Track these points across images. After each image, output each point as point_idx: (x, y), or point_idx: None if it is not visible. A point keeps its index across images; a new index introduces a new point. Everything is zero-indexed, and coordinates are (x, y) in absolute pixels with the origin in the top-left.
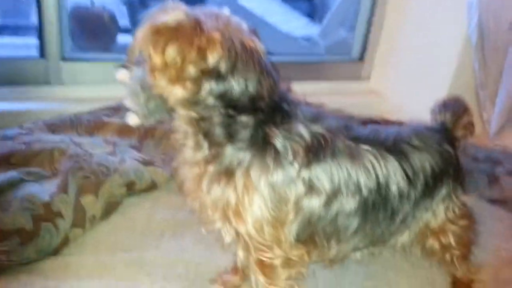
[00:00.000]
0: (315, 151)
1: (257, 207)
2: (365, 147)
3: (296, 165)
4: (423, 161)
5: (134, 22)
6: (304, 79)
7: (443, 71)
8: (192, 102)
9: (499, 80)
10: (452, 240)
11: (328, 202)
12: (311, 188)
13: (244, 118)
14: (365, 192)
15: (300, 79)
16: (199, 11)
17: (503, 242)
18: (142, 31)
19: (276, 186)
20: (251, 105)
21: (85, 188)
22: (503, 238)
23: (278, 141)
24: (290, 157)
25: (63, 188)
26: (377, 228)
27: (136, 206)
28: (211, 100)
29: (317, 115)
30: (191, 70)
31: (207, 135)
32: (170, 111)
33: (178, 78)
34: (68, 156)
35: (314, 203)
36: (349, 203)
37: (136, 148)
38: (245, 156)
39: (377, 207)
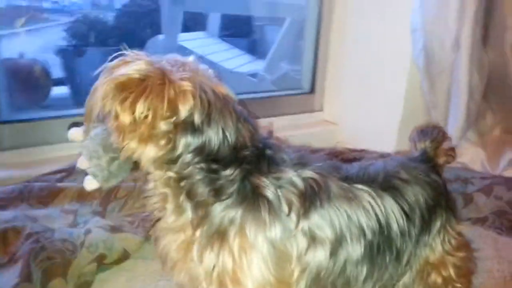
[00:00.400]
0: (311, 198)
1: (257, 269)
2: (359, 186)
3: (293, 216)
4: (416, 195)
5: (69, 73)
6: (260, 115)
7: (393, 95)
8: (168, 160)
9: (448, 100)
10: (452, 273)
11: (334, 252)
12: (313, 238)
13: (228, 171)
14: (369, 234)
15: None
16: (162, 60)
17: (495, 263)
18: (103, 86)
19: (275, 242)
20: (234, 156)
21: (51, 272)
22: (493, 259)
23: (270, 192)
24: (285, 208)
25: (26, 277)
26: (385, 272)
27: (110, 283)
28: (189, 156)
29: (302, 158)
30: (164, 125)
31: (189, 195)
32: (138, 169)
33: (150, 136)
34: (26, 235)
35: (320, 255)
36: (355, 249)
37: (100, 214)
38: (236, 213)
39: (382, 249)
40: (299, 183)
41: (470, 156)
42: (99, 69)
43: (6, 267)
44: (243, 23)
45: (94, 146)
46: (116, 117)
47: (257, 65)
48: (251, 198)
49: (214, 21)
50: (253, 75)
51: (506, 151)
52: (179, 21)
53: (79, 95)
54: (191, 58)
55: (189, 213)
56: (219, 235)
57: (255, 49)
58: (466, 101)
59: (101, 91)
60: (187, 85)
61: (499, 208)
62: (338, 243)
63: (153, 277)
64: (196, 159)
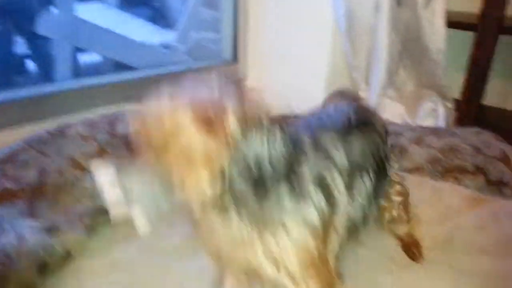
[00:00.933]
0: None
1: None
2: (353, 132)
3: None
4: (377, 121)
5: None
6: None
7: (317, 60)
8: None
9: (369, 61)
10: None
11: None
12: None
13: (273, 177)
14: (371, 172)
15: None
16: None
17: (434, 208)
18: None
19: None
20: (278, 163)
21: None
22: (430, 204)
23: (310, 185)
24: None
25: None
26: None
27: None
28: (236, 172)
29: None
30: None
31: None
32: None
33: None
34: None
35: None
36: (367, 189)
37: (28, 214)
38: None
39: (380, 180)
40: (333, 164)
41: (391, 111)
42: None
43: None
44: None
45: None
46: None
47: (166, 36)
48: (298, 189)
49: None
50: (166, 46)
51: (422, 103)
52: None
53: None
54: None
55: (236, 214)
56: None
57: (158, 19)
58: (387, 61)
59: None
60: (230, 105)
61: (432, 156)
62: (359, 193)
63: (101, 272)
64: (239, 170)
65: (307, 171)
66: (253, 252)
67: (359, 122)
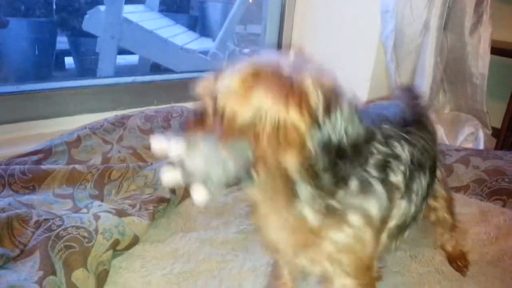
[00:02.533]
0: (406, 174)
1: (369, 241)
2: (411, 130)
3: (398, 198)
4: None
5: None
6: None
7: (361, 74)
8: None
9: (413, 80)
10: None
11: (415, 200)
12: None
13: (347, 160)
14: (427, 172)
15: None
16: (268, 58)
17: (482, 227)
18: (241, 91)
19: (384, 214)
20: (353, 149)
21: (73, 262)
22: (479, 223)
23: (377, 182)
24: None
25: (50, 269)
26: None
27: (126, 270)
28: (317, 154)
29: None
30: (308, 125)
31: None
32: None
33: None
34: (34, 224)
35: (405, 209)
36: (423, 188)
37: (97, 198)
38: (356, 197)
39: (431, 180)
40: (398, 160)
41: None
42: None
43: (20, 260)
44: None
45: (218, 155)
46: (280, 125)
47: (204, 43)
48: (366, 181)
49: None
50: (203, 52)
51: (461, 127)
52: None
53: (5, 68)
54: (292, 54)
55: (304, 204)
56: (342, 217)
57: (196, 26)
58: (430, 81)
59: (245, 97)
60: (311, 83)
61: (478, 176)
62: (417, 192)
63: (166, 261)
64: (321, 154)
65: (375, 162)
66: (317, 244)
67: (414, 120)
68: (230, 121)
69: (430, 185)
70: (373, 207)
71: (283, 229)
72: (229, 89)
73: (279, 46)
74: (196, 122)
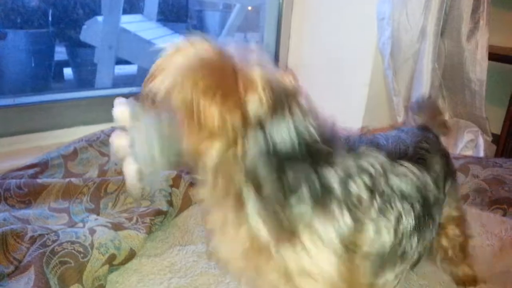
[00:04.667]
0: (375, 186)
1: (329, 264)
2: (402, 162)
3: (362, 208)
4: (438, 163)
5: None
6: None
7: (359, 82)
8: (234, 159)
9: (410, 87)
10: (457, 231)
11: (395, 231)
12: (379, 225)
13: (296, 167)
14: (416, 207)
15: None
16: (227, 44)
17: (484, 238)
18: (180, 69)
19: (344, 235)
20: (302, 152)
21: (68, 278)
22: (482, 235)
23: (337, 185)
24: (355, 200)
25: (44, 285)
26: (428, 235)
27: (122, 285)
28: (256, 153)
29: (351, 143)
30: (237, 119)
31: (256, 194)
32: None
33: (223, 130)
34: (29, 239)
35: (385, 238)
36: (409, 223)
37: (93, 211)
38: (307, 208)
39: (425, 218)
40: (363, 173)
41: None
42: (160, 48)
43: (15, 276)
44: (181, 7)
45: (149, 133)
46: (199, 110)
47: None
48: (320, 192)
49: (151, 3)
50: None
51: (460, 134)
52: None
53: (3, 81)
54: (252, 44)
55: (252, 213)
56: (293, 233)
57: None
58: (429, 87)
59: (176, 75)
60: (256, 74)
61: (478, 185)
62: (397, 221)
63: (163, 275)
64: (262, 156)
65: (333, 174)
66: (266, 265)
67: (416, 157)
68: (159, 96)
69: (425, 224)
70: (328, 223)
71: (230, 238)
72: (163, 63)
73: (276, 53)
74: (148, 97)
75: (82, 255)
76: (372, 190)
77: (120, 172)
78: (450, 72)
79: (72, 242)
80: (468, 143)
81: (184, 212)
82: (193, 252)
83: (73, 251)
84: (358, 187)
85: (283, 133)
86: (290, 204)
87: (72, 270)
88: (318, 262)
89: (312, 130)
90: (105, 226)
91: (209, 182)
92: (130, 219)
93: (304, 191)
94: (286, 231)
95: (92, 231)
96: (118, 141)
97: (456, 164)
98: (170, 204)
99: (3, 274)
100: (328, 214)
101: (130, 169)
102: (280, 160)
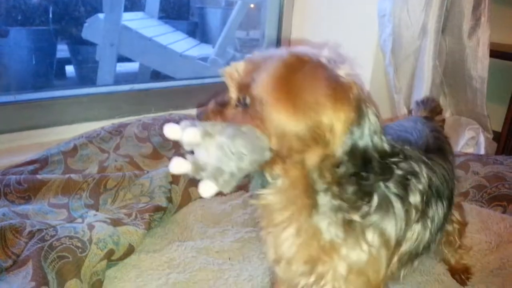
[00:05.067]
0: (426, 196)
1: (383, 263)
2: (433, 157)
3: (415, 217)
4: (449, 151)
5: None
6: None
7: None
8: (325, 164)
9: (411, 84)
10: (458, 216)
11: (430, 232)
12: (424, 227)
13: (371, 176)
14: (445, 205)
15: None
16: (311, 53)
17: (483, 235)
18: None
19: (400, 236)
20: (376, 161)
21: (66, 273)
22: (481, 232)
23: (397, 200)
24: (412, 212)
25: (42, 280)
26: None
27: (120, 280)
28: (344, 159)
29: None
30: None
31: (336, 199)
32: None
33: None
34: (27, 234)
35: (420, 239)
36: (437, 222)
37: (93, 207)
38: (376, 215)
39: (445, 214)
40: (418, 181)
41: None
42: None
43: (13, 271)
44: (182, 4)
45: (236, 147)
46: (330, 128)
47: (204, 49)
48: (387, 198)
49: (152, 0)
50: (203, 59)
51: (462, 131)
52: None
53: (4, 78)
54: (327, 51)
55: (323, 216)
56: (362, 234)
57: (196, 33)
58: (430, 85)
59: (317, 98)
60: (351, 82)
61: (478, 182)
62: (432, 220)
63: (161, 271)
64: (348, 163)
65: (396, 179)
66: (328, 262)
67: (436, 148)
68: (262, 115)
69: (446, 216)
70: (391, 226)
71: (294, 240)
72: (269, 80)
73: None
74: (216, 111)
75: (80, 250)
76: (423, 195)
77: (120, 169)
78: (451, 70)
79: (71, 237)
80: (469, 141)
81: (184, 209)
82: (192, 248)
83: (71, 246)
84: (414, 194)
85: (365, 140)
86: (363, 208)
87: (70, 265)
88: (376, 257)
89: (382, 138)
90: (104, 221)
91: (283, 186)
92: (129, 215)
93: (375, 198)
94: (355, 232)
95: (90, 227)
96: (181, 169)
97: (457, 161)
98: (169, 200)
99: (1, 268)
100: (392, 216)
101: (208, 188)
102: (360, 167)
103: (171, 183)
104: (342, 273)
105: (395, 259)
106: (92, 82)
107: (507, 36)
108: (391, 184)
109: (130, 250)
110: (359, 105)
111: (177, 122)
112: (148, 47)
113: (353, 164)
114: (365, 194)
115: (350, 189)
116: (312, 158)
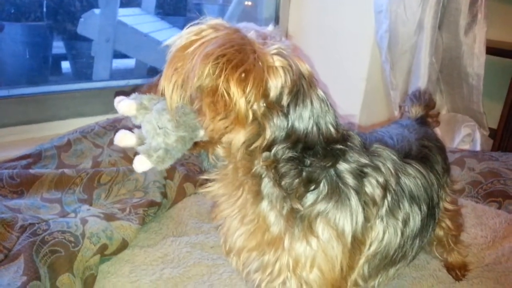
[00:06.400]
0: (386, 186)
1: (339, 258)
2: (410, 162)
3: (374, 206)
4: (438, 161)
5: None
6: None
7: (357, 75)
8: (255, 146)
9: (408, 80)
10: (449, 224)
11: (403, 232)
12: (388, 224)
13: (317, 161)
14: (424, 209)
15: None
16: (246, 29)
17: (478, 230)
18: (202, 56)
19: (357, 231)
20: (322, 144)
21: (59, 267)
22: (476, 226)
23: (353, 183)
24: (368, 198)
25: (33, 274)
26: (428, 234)
27: (114, 275)
28: (277, 142)
29: (365, 141)
30: (256, 106)
31: (276, 184)
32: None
33: (242, 118)
34: (19, 228)
35: (392, 239)
36: (416, 225)
37: (86, 202)
38: (327, 203)
39: (428, 218)
40: (377, 172)
41: None
42: (173, 37)
43: (4, 265)
44: (179, 0)
45: (162, 122)
46: (224, 94)
47: None
48: (338, 188)
49: None
50: None
51: (458, 128)
52: None
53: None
54: (270, 28)
55: (268, 204)
56: (309, 225)
57: None
58: (426, 81)
59: (199, 62)
60: (278, 61)
61: (474, 178)
62: (404, 223)
63: (155, 266)
64: (284, 145)
65: (350, 169)
66: (277, 253)
67: (420, 155)
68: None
69: (427, 224)
70: (344, 218)
71: (242, 230)
72: (178, 47)
73: None
74: (153, 86)
75: (73, 244)
76: (384, 189)
77: (114, 164)
78: (447, 66)
79: (63, 232)
80: (465, 137)
81: (178, 204)
82: (187, 243)
83: (63, 240)
84: (372, 186)
85: (305, 123)
86: (308, 197)
87: (62, 259)
88: (328, 251)
89: (330, 124)
90: (97, 216)
91: (227, 170)
92: (123, 210)
93: (323, 185)
94: (302, 223)
95: (83, 221)
96: (125, 142)
97: (452, 157)
98: (164, 195)
99: None
100: (346, 208)
101: (143, 168)
102: (301, 152)
103: (165, 178)
104: (288, 265)
105: (362, 260)
106: (88, 78)
107: (504, 33)
108: (344, 173)
109: (123, 245)
110: (293, 86)
111: None
112: (144, 42)
113: (289, 147)
114: (309, 181)
115: (290, 173)
116: (237, 137)
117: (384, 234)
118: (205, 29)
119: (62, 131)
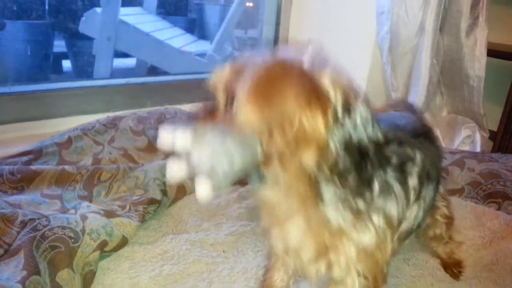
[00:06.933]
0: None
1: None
2: (423, 141)
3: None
4: (436, 138)
5: None
6: None
7: (357, 76)
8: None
9: (409, 82)
10: (445, 210)
11: (424, 208)
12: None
13: (369, 164)
14: (434, 184)
15: None
16: (283, 52)
17: (476, 231)
18: (250, 83)
19: (400, 216)
20: (373, 150)
21: (58, 262)
22: (474, 228)
23: (396, 183)
24: (411, 194)
25: (33, 269)
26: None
27: (113, 272)
28: (338, 151)
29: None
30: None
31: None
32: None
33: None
34: (19, 223)
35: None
36: (431, 202)
37: (86, 199)
38: (380, 199)
39: (435, 196)
40: (413, 164)
41: None
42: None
43: (4, 260)
44: (180, 0)
45: (226, 148)
46: (292, 120)
47: (202, 45)
48: (387, 184)
49: None
50: (201, 55)
51: (458, 129)
52: None
53: (0, 70)
54: (311, 47)
55: (329, 205)
56: (369, 218)
57: (194, 29)
58: (427, 83)
59: (297, 109)
60: (329, 78)
61: (473, 179)
62: (424, 200)
63: (155, 263)
64: (343, 153)
65: (393, 163)
66: (338, 247)
67: (423, 133)
68: (244, 116)
69: (434, 196)
70: (394, 208)
71: (303, 232)
72: (248, 84)
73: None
74: (206, 114)
75: (73, 240)
76: (420, 178)
77: (114, 161)
78: (448, 68)
79: (63, 227)
80: (465, 139)
81: (178, 202)
82: (186, 241)
83: (63, 236)
84: (412, 179)
85: (357, 129)
86: (367, 195)
87: (62, 255)
88: (381, 239)
89: (376, 131)
90: (97, 213)
91: (282, 183)
92: (123, 207)
93: (376, 185)
94: (363, 217)
95: (83, 217)
96: (174, 169)
97: (452, 158)
98: (164, 193)
99: None
100: (394, 199)
101: (205, 188)
102: (356, 155)
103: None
104: (353, 257)
105: (396, 237)
106: (89, 76)
107: (505, 35)
108: (389, 170)
109: (123, 242)
110: (344, 100)
111: (173, 116)
112: (145, 42)
113: (350, 160)
114: (366, 182)
115: (351, 179)
116: (307, 158)
117: (415, 213)
118: (278, 66)
119: (63, 128)
